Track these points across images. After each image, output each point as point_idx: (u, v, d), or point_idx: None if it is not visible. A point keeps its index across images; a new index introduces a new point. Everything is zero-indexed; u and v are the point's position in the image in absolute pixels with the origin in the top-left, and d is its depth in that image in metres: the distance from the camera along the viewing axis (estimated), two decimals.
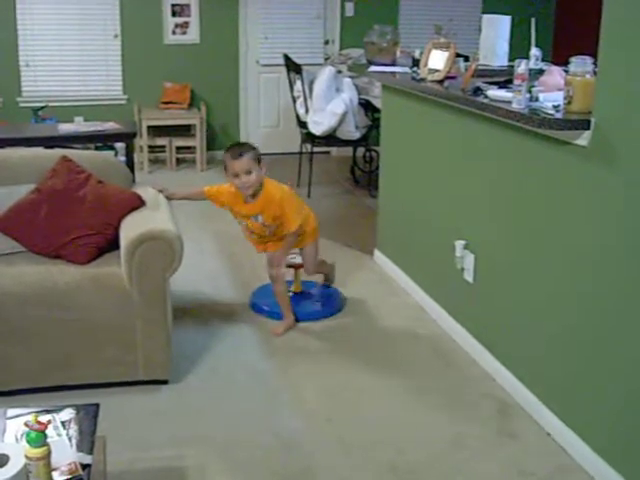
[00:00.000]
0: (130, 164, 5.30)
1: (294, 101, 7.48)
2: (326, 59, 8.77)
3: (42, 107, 7.79)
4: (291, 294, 4.61)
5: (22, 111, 8.04)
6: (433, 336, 4.28)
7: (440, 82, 4.22)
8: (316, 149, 7.34)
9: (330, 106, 6.92)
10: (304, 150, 7.47)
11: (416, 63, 4.64)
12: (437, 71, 4.26)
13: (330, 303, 4.63)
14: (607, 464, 2.95)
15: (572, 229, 3.12)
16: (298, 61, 7.34)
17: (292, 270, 4.65)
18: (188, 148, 8.49)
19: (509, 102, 3.33)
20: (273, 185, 4.19)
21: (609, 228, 2.89)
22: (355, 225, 6.32)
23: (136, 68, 8.48)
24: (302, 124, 7.36)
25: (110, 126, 5.66)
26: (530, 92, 3.31)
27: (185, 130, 8.47)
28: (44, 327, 3.44)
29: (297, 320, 4.39)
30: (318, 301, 4.66)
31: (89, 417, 2.47)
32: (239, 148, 4.12)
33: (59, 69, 8.34)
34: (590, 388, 3.06)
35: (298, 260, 4.64)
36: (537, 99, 3.29)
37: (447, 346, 4.16)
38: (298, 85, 7.30)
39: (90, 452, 2.30)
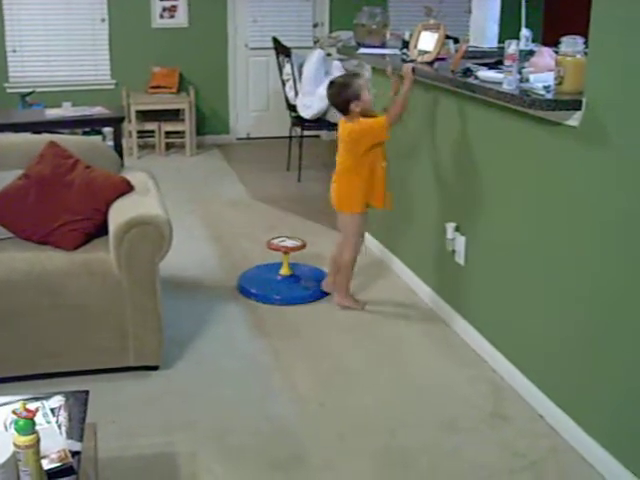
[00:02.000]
0: (118, 149, 5.26)
1: (283, 84, 7.45)
2: (315, 42, 8.72)
3: (29, 93, 7.74)
4: (279, 277, 4.61)
5: (9, 97, 7.98)
6: (424, 319, 4.27)
7: (430, 64, 4.19)
8: (306, 133, 7.31)
9: (320, 89, 6.87)
10: (294, 134, 7.44)
11: (406, 45, 4.61)
12: (427, 53, 4.23)
13: (318, 286, 4.62)
14: (598, 444, 2.96)
15: (563, 210, 3.10)
16: (287, 44, 7.31)
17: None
18: (177, 133, 8.44)
19: (499, 83, 3.32)
20: None
21: (600, 208, 2.88)
22: None
23: (124, 52, 8.41)
24: (291, 107, 7.33)
25: (98, 111, 5.62)
26: (520, 73, 3.29)
27: (174, 115, 8.42)
28: (32, 314, 3.42)
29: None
30: (306, 284, 4.65)
31: (79, 404, 2.45)
32: None
33: (46, 54, 8.27)
34: (582, 369, 3.06)
35: (288, 243, 4.64)
36: (527, 80, 3.27)
37: (438, 328, 4.15)
38: (287, 68, 7.26)
39: (80, 439, 2.28)
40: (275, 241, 4.68)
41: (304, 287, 4.61)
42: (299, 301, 4.46)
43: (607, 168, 2.83)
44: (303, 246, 4.69)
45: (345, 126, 4.15)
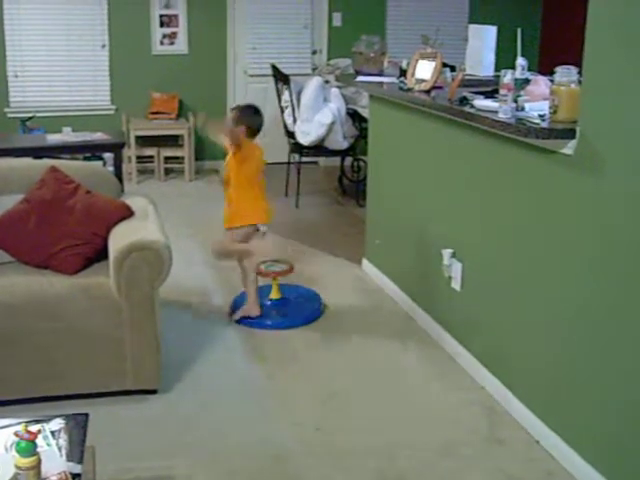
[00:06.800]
0: (118, 174, 5.29)
1: (282, 111, 7.50)
2: (314, 69, 8.80)
3: (30, 117, 7.78)
4: (270, 302, 4.64)
5: (10, 122, 8.02)
6: (420, 343, 4.29)
7: (427, 92, 4.24)
8: (304, 159, 7.36)
9: (318, 116, 6.94)
10: (292, 160, 7.48)
11: (403, 73, 4.67)
12: (424, 81, 4.28)
13: (310, 309, 4.66)
14: (595, 470, 2.97)
15: (558, 237, 3.14)
16: (286, 71, 7.36)
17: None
18: (176, 158, 8.48)
19: (495, 112, 3.36)
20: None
21: (594, 236, 2.91)
22: (343, 235, 6.33)
23: (124, 78, 8.48)
24: (290, 134, 7.38)
25: (98, 136, 5.66)
26: (516, 102, 3.33)
27: (173, 140, 8.47)
28: (33, 337, 3.44)
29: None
30: (297, 308, 4.68)
31: (78, 427, 2.46)
32: None
33: (47, 79, 8.33)
34: (577, 395, 3.08)
35: (277, 268, 4.67)
36: (523, 108, 3.31)
37: (435, 353, 4.17)
38: (286, 95, 7.32)
39: (80, 462, 2.29)
40: (263, 266, 4.71)
41: (294, 311, 4.63)
42: (290, 325, 4.48)
43: (600, 196, 2.86)
44: (290, 270, 4.71)
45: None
